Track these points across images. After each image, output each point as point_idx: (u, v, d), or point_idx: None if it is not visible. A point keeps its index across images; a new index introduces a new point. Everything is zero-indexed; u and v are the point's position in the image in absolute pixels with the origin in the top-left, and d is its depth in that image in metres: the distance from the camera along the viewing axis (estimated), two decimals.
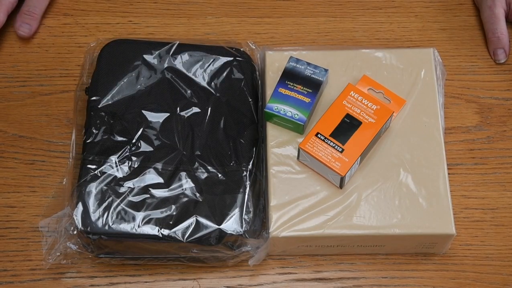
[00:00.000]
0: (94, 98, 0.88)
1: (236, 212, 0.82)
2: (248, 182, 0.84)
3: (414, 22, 1.01)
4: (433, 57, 0.91)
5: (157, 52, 0.91)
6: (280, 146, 0.87)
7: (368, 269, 0.86)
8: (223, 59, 0.91)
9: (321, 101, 0.89)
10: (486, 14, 0.98)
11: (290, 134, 0.87)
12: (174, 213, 0.81)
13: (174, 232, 0.81)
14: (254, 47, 0.94)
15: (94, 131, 0.86)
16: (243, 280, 0.86)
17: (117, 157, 0.84)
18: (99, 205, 0.82)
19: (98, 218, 0.81)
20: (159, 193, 0.83)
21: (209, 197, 0.83)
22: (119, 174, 0.83)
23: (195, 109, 0.88)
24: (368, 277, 0.86)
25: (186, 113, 0.88)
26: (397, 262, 0.87)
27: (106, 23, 1.01)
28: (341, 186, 0.84)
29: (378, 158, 0.86)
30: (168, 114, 0.87)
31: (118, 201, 0.82)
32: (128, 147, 0.85)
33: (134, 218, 0.81)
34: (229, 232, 0.81)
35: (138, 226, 0.81)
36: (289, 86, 0.87)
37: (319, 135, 0.84)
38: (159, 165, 0.84)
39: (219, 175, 0.84)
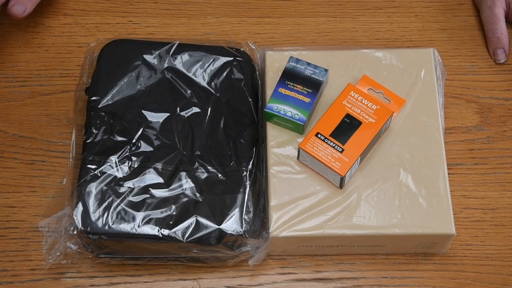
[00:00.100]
0: (94, 98, 0.88)
1: (236, 212, 0.82)
2: (248, 182, 0.84)
3: (414, 22, 1.01)
4: (433, 57, 0.91)
5: (157, 52, 0.91)
6: (280, 146, 0.87)
7: (368, 269, 0.86)
8: (223, 59, 0.91)
9: (321, 101, 0.89)
10: (486, 14, 0.98)
11: (290, 134, 0.87)
12: (174, 213, 0.81)
13: (174, 232, 0.81)
14: (254, 47, 0.94)
15: (94, 131, 0.86)
16: (243, 280, 0.86)
17: (117, 157, 0.84)
18: (99, 205, 0.82)
19: (98, 218, 0.81)
20: (159, 193, 0.83)
21: (209, 197, 0.83)
22: (119, 174, 0.83)
23: (195, 109, 0.88)
24: (368, 277, 0.86)
25: (186, 113, 0.88)
26: (397, 262, 0.87)
27: (106, 23, 1.01)
28: (341, 186, 0.84)
29: (378, 158, 0.86)
30: (168, 114, 0.87)
31: (118, 201, 0.82)
32: (128, 147, 0.85)
33: (134, 218, 0.81)
34: (229, 232, 0.81)
35: (138, 226, 0.81)
36: (289, 86, 0.87)
37: (319, 135, 0.84)
38: (159, 165, 0.84)
39: (219, 175, 0.84)
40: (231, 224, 0.81)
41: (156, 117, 0.87)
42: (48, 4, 1.01)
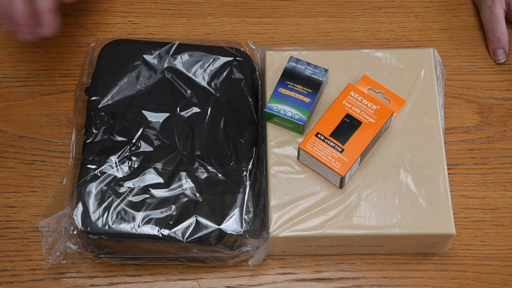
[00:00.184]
0: (94, 98, 0.88)
1: (236, 212, 0.82)
2: (248, 182, 0.84)
3: (414, 22, 1.01)
4: (433, 57, 0.91)
5: (157, 52, 0.91)
6: (280, 146, 0.87)
7: (368, 269, 0.86)
8: (223, 59, 0.91)
9: (321, 101, 0.89)
10: (486, 14, 0.98)
11: (290, 134, 0.87)
12: (174, 213, 0.81)
13: (174, 232, 0.81)
14: (254, 47, 0.94)
15: (94, 131, 0.86)
16: (243, 280, 0.86)
17: (117, 157, 0.84)
18: (99, 205, 0.82)
19: (98, 218, 0.81)
20: (159, 193, 0.83)
21: (209, 197, 0.83)
22: (119, 174, 0.83)
23: (195, 109, 0.88)
24: (368, 277, 0.86)
25: (186, 113, 0.88)
26: (397, 262, 0.87)
27: (106, 23, 1.01)
28: (341, 186, 0.84)
29: (378, 158, 0.86)
30: (168, 114, 0.87)
31: (118, 201, 0.82)
32: (128, 147, 0.85)
33: (134, 218, 0.81)
34: (229, 232, 0.81)
35: (138, 226, 0.81)
36: (289, 86, 0.87)
37: (319, 135, 0.84)
38: (159, 165, 0.84)
39: (219, 175, 0.84)
40: (231, 224, 0.81)
41: (156, 117, 0.87)
42: None
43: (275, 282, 0.86)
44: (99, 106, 0.87)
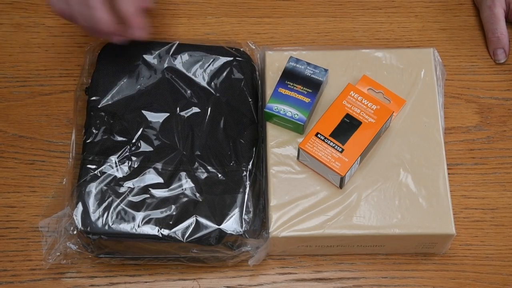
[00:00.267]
0: (94, 98, 0.88)
1: (236, 212, 0.82)
2: (248, 182, 0.84)
3: (414, 22, 1.01)
4: (433, 57, 0.91)
5: (157, 52, 0.91)
6: (280, 146, 0.87)
7: (368, 269, 0.86)
8: (223, 59, 0.91)
9: (321, 101, 0.89)
10: (486, 14, 0.98)
11: (290, 134, 0.87)
12: (174, 213, 0.81)
13: (174, 232, 0.81)
14: (254, 47, 0.94)
15: (94, 131, 0.86)
16: (243, 280, 0.86)
17: (117, 157, 0.84)
18: (99, 205, 0.82)
19: (98, 218, 0.81)
20: (159, 193, 0.83)
21: (209, 197, 0.83)
22: (119, 174, 0.83)
23: (195, 109, 0.88)
24: (368, 277, 0.86)
25: (186, 113, 0.88)
26: (397, 262, 0.87)
27: None
28: (341, 186, 0.84)
29: (378, 158, 0.86)
30: (168, 114, 0.87)
31: (118, 201, 0.82)
32: (128, 147, 0.85)
33: (134, 218, 0.81)
34: (229, 232, 0.81)
35: (138, 226, 0.81)
36: (289, 86, 0.87)
37: (319, 135, 0.84)
38: (159, 165, 0.84)
39: (219, 175, 0.84)
40: (231, 224, 0.81)
41: (156, 117, 0.87)
42: (48, 4, 1.01)
43: (275, 282, 0.86)
44: (99, 106, 0.87)
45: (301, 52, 0.91)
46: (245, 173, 0.84)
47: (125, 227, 0.81)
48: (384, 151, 0.86)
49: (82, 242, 0.82)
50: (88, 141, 0.85)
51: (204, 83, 0.90)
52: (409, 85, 0.90)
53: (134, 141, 0.85)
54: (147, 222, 0.81)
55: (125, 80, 0.89)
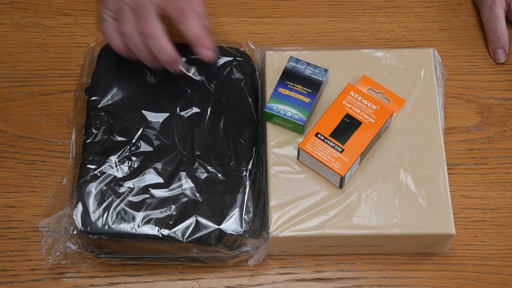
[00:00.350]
0: (94, 98, 0.88)
1: (236, 212, 0.82)
2: (248, 182, 0.84)
3: (414, 22, 1.01)
4: (433, 57, 0.91)
5: None
6: (280, 146, 0.87)
7: (368, 269, 0.86)
8: (223, 59, 0.91)
9: (321, 101, 0.89)
10: (486, 14, 0.98)
11: (290, 134, 0.87)
12: (174, 213, 0.81)
13: (174, 232, 0.81)
14: (254, 47, 0.94)
15: (94, 131, 0.86)
16: (243, 280, 0.86)
17: (117, 157, 0.84)
18: (99, 205, 0.82)
19: (98, 218, 0.81)
20: (159, 193, 0.83)
21: (209, 197, 0.83)
22: (119, 174, 0.83)
23: (195, 109, 0.88)
24: (368, 277, 0.86)
25: (186, 113, 0.88)
26: (397, 262, 0.87)
27: None
28: (341, 186, 0.84)
29: (378, 158, 0.86)
30: (168, 114, 0.87)
31: (118, 201, 0.82)
32: (128, 147, 0.85)
33: (134, 218, 0.81)
34: (229, 232, 0.81)
35: (138, 226, 0.81)
36: (289, 86, 0.87)
37: (319, 135, 0.84)
38: (159, 165, 0.84)
39: (219, 175, 0.84)
40: (231, 224, 0.81)
41: (156, 117, 0.87)
42: (48, 4, 1.01)
43: (275, 282, 0.86)
44: (99, 106, 0.87)
45: (301, 52, 0.91)
46: (245, 173, 0.84)
47: (125, 227, 0.81)
48: (384, 151, 0.86)
49: (82, 242, 0.82)
50: (88, 141, 0.85)
51: (204, 83, 0.90)
52: (409, 85, 0.90)
53: (134, 141, 0.85)
54: (147, 222, 0.81)
55: (125, 80, 0.89)
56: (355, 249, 0.86)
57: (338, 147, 0.83)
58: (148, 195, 0.82)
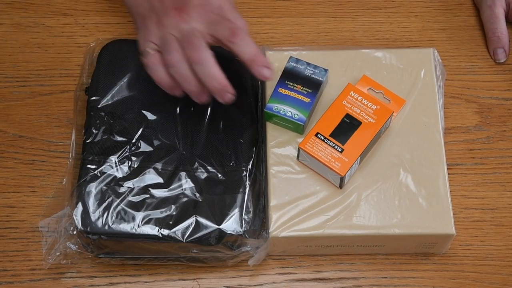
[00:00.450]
0: (94, 98, 0.88)
1: (236, 212, 0.82)
2: (248, 182, 0.84)
3: (414, 22, 1.01)
4: (433, 57, 0.91)
5: None
6: (280, 146, 0.87)
7: (368, 269, 0.86)
8: (223, 59, 0.91)
9: (321, 101, 0.89)
10: (486, 14, 0.98)
11: (290, 134, 0.87)
12: (174, 213, 0.81)
13: (174, 232, 0.81)
14: None
15: (94, 131, 0.86)
16: (243, 280, 0.86)
17: (117, 157, 0.84)
18: (99, 205, 0.82)
19: (98, 218, 0.81)
20: (159, 193, 0.83)
21: (209, 197, 0.83)
22: (119, 174, 0.83)
23: (195, 109, 0.88)
24: (368, 277, 0.86)
25: (186, 113, 0.88)
26: (397, 262, 0.87)
27: (106, 23, 1.01)
28: (341, 186, 0.84)
29: (378, 158, 0.86)
30: (168, 114, 0.87)
31: (118, 201, 0.82)
32: (128, 147, 0.85)
33: (134, 218, 0.81)
34: (229, 232, 0.81)
35: (138, 226, 0.81)
36: (289, 86, 0.87)
37: (319, 135, 0.84)
38: (159, 165, 0.84)
39: (219, 175, 0.84)
40: (231, 224, 0.81)
41: (156, 117, 0.87)
42: (48, 4, 1.01)
43: (275, 282, 0.86)
44: (99, 106, 0.87)
45: (301, 52, 0.91)
46: (245, 173, 0.84)
47: (125, 227, 0.81)
48: (384, 151, 0.86)
49: (82, 242, 0.82)
50: (88, 141, 0.85)
51: None
52: (409, 85, 0.90)
53: (134, 141, 0.85)
54: (147, 222, 0.81)
55: (125, 80, 0.89)
56: (355, 249, 0.86)
57: (338, 147, 0.83)
58: (148, 195, 0.82)
